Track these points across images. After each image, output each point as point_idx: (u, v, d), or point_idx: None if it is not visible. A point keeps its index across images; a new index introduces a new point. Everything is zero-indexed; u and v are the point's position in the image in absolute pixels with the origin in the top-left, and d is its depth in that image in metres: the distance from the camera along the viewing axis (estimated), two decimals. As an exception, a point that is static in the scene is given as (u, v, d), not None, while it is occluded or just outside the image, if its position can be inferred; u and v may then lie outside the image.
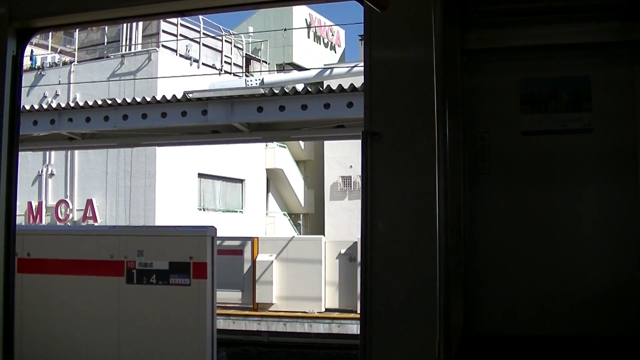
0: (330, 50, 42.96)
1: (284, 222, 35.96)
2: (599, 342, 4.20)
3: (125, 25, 29.08)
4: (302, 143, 35.00)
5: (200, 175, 29.98)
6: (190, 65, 29.83)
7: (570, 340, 4.21)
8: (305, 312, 16.08)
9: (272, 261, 16.60)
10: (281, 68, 36.61)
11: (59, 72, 29.75)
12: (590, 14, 4.24)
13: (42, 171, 29.54)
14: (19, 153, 4.44)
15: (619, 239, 4.33)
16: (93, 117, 15.37)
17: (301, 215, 37.30)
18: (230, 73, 31.92)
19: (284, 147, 34.91)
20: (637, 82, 4.32)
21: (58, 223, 28.55)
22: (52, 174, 29.55)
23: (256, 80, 22.06)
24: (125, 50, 29.45)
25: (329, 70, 23.83)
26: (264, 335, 15.70)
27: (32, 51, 30.02)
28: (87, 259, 8.74)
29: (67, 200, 29.11)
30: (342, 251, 16.57)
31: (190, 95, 15.73)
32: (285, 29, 36.33)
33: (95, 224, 27.44)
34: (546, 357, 4.11)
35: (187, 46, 30.26)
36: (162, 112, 14.84)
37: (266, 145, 32.81)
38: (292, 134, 16.01)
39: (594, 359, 4.06)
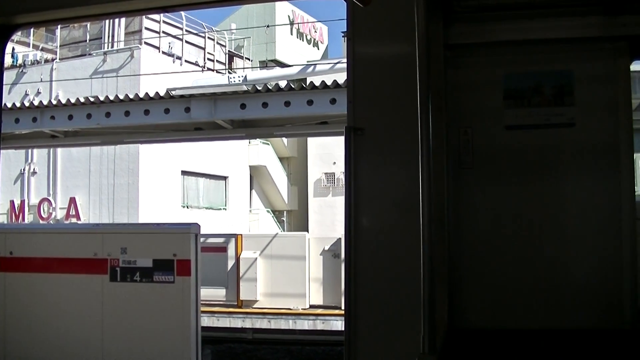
0: (313, 46, 42.92)
1: (268, 219, 35.93)
2: (583, 335, 4.22)
3: (107, 22, 28.93)
4: (285, 140, 34.98)
5: (184, 173, 29.89)
6: (173, 62, 29.73)
7: (555, 333, 4.23)
8: (289, 309, 16.07)
9: (256, 258, 16.58)
10: (264, 65, 36.56)
11: (41, 69, 29.57)
12: (573, 8, 4.25)
13: (24, 169, 29.37)
14: (1, 151, 4.42)
15: (602, 231, 4.35)
16: (75, 114, 15.31)
17: (285, 212, 37.27)
18: (213, 70, 31.85)
19: (268, 144, 34.87)
20: (620, 77, 4.35)
21: (41, 221, 28.40)
22: (34, 172, 29.38)
23: (239, 77, 22.03)
24: (108, 48, 29.30)
25: (312, 67, 23.86)
26: (248, 332, 15.71)
27: (13, 48, 29.83)
28: (71, 257, 8.70)
29: (50, 198, 28.97)
30: (326, 247, 16.56)
31: (173, 92, 15.67)
32: (268, 26, 36.28)
33: (79, 222, 27.32)
34: (531, 351, 4.12)
35: (169, 43, 30.15)
36: (145, 110, 14.82)
37: (249, 142, 32.75)
38: (276, 131, 16.03)
39: (579, 352, 4.07)
